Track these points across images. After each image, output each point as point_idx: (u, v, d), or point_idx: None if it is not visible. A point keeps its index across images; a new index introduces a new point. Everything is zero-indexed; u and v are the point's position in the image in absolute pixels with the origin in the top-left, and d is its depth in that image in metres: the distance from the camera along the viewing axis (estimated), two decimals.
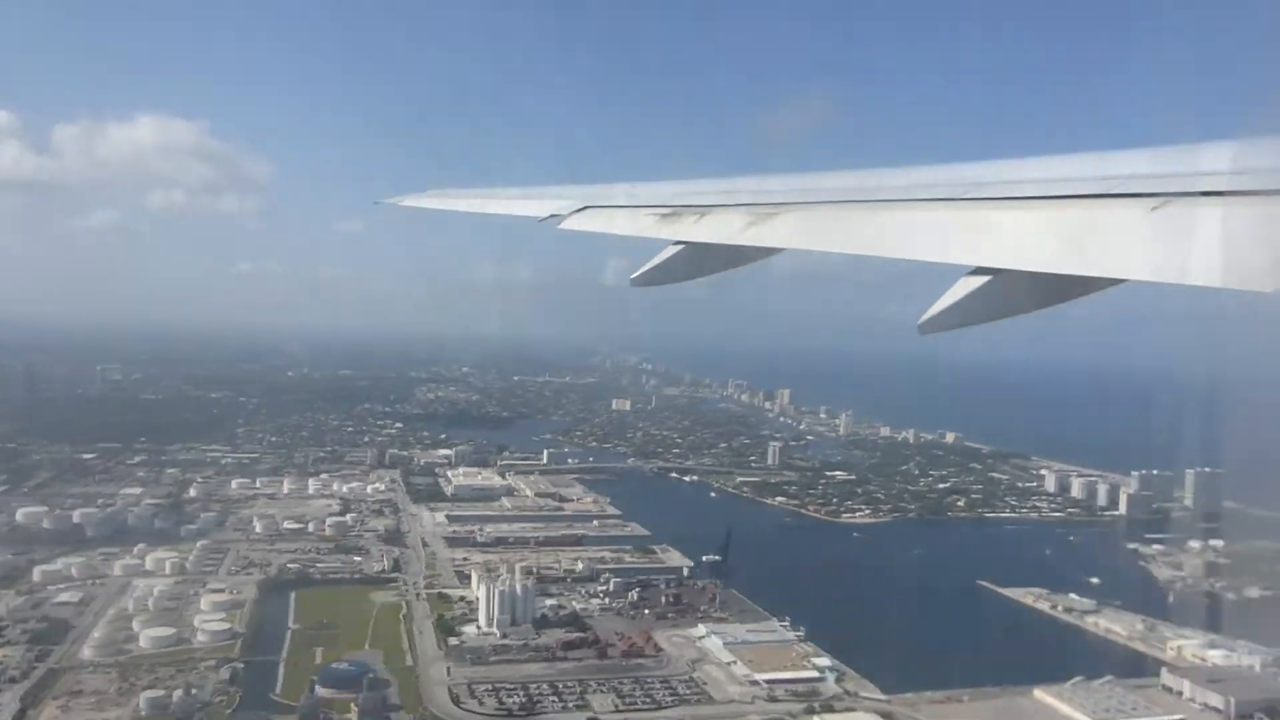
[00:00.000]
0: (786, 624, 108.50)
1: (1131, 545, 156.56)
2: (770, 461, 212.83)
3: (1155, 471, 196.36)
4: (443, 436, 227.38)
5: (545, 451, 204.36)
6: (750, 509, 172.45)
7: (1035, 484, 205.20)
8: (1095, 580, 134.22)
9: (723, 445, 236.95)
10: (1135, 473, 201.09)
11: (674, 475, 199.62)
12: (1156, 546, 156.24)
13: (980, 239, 8.04)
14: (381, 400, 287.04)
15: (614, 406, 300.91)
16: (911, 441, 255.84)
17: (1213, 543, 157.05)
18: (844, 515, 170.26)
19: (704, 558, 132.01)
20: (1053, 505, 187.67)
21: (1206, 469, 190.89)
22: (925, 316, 7.86)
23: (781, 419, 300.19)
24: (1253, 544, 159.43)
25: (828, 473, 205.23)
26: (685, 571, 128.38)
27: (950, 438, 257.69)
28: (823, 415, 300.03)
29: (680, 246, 11.23)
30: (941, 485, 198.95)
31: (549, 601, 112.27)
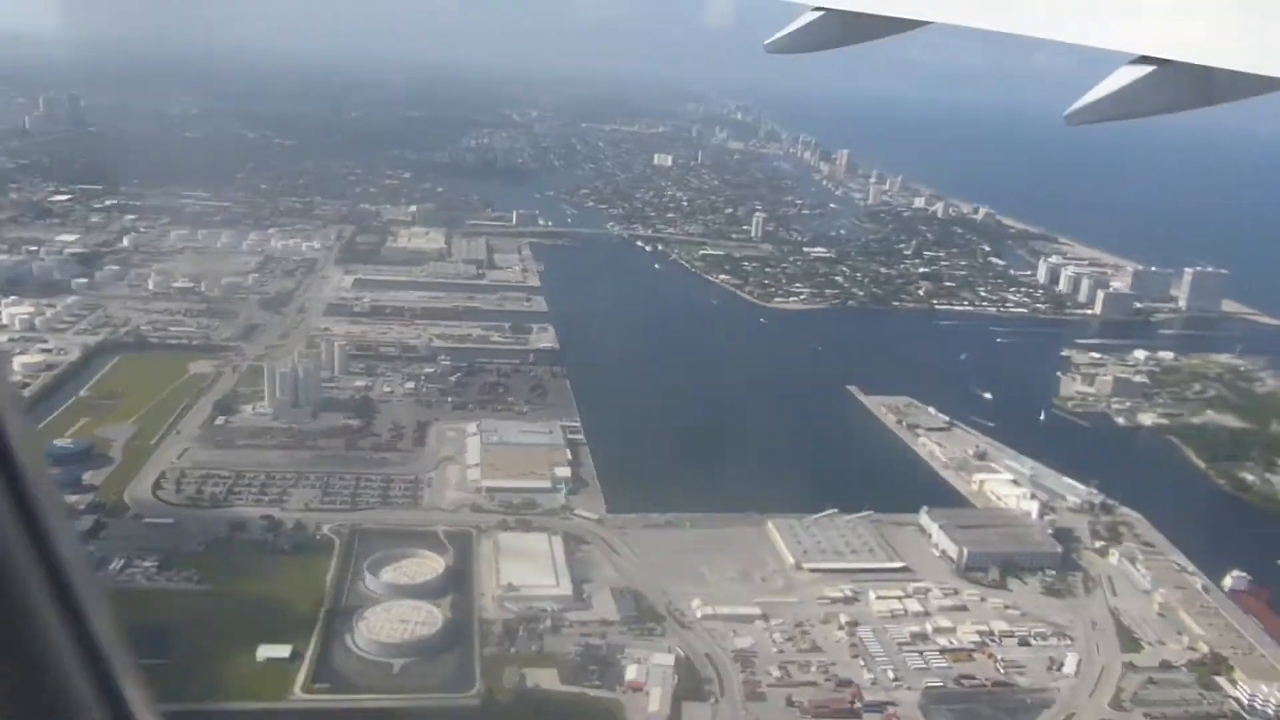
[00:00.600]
0: (577, 425, 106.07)
1: (1067, 352, 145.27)
2: (753, 233, 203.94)
3: (1154, 268, 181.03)
4: (440, 190, 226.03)
5: (515, 213, 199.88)
6: (684, 286, 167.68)
7: (1030, 272, 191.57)
8: (987, 395, 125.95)
9: (728, 211, 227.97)
10: (1117, 267, 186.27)
11: (639, 243, 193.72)
12: (1093, 355, 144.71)
13: (1149, 23, 7.42)
14: (418, 146, 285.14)
15: (655, 161, 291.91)
16: (939, 215, 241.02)
17: (1161, 354, 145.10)
18: (777, 300, 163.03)
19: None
20: (1027, 298, 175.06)
21: (1208, 267, 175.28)
22: (1076, 106, 7.38)
23: (825, 182, 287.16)
24: (1208, 358, 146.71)
25: (806, 249, 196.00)
26: (531, 358, 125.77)
27: (981, 213, 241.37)
28: (872, 180, 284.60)
29: (820, 13, 10.65)
30: (921, 270, 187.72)
31: (358, 383, 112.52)
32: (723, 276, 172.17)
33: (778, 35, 11.10)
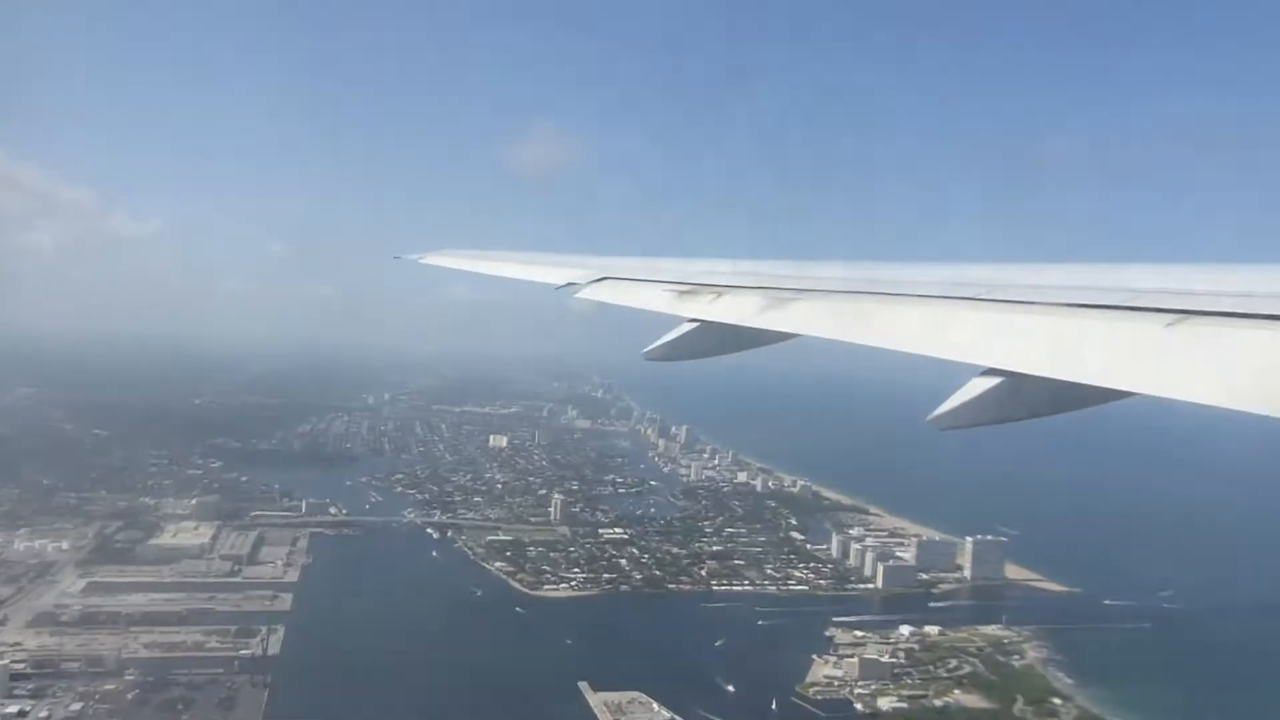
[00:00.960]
0: None
1: (831, 631, 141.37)
2: (553, 516, 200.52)
3: (939, 536, 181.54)
4: (243, 480, 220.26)
5: (304, 502, 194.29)
6: (455, 575, 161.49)
7: (827, 545, 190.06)
8: (730, 687, 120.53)
9: (541, 493, 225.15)
10: (916, 538, 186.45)
11: (429, 530, 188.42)
12: (857, 633, 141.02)
13: (997, 340, 8.28)
14: (247, 434, 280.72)
15: (490, 443, 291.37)
16: (759, 489, 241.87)
17: (928, 629, 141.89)
18: (547, 587, 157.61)
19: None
20: (813, 574, 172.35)
21: (988, 536, 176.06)
22: (936, 412, 8.09)
23: (657, 458, 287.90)
24: (976, 630, 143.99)
25: (602, 530, 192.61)
26: (236, 665, 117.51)
27: (799, 486, 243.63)
28: (705, 455, 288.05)
29: (695, 324, 11.58)
30: (715, 548, 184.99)
31: (12, 709, 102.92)
32: (499, 564, 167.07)
33: (655, 344, 11.75)
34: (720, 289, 12.16)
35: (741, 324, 11.01)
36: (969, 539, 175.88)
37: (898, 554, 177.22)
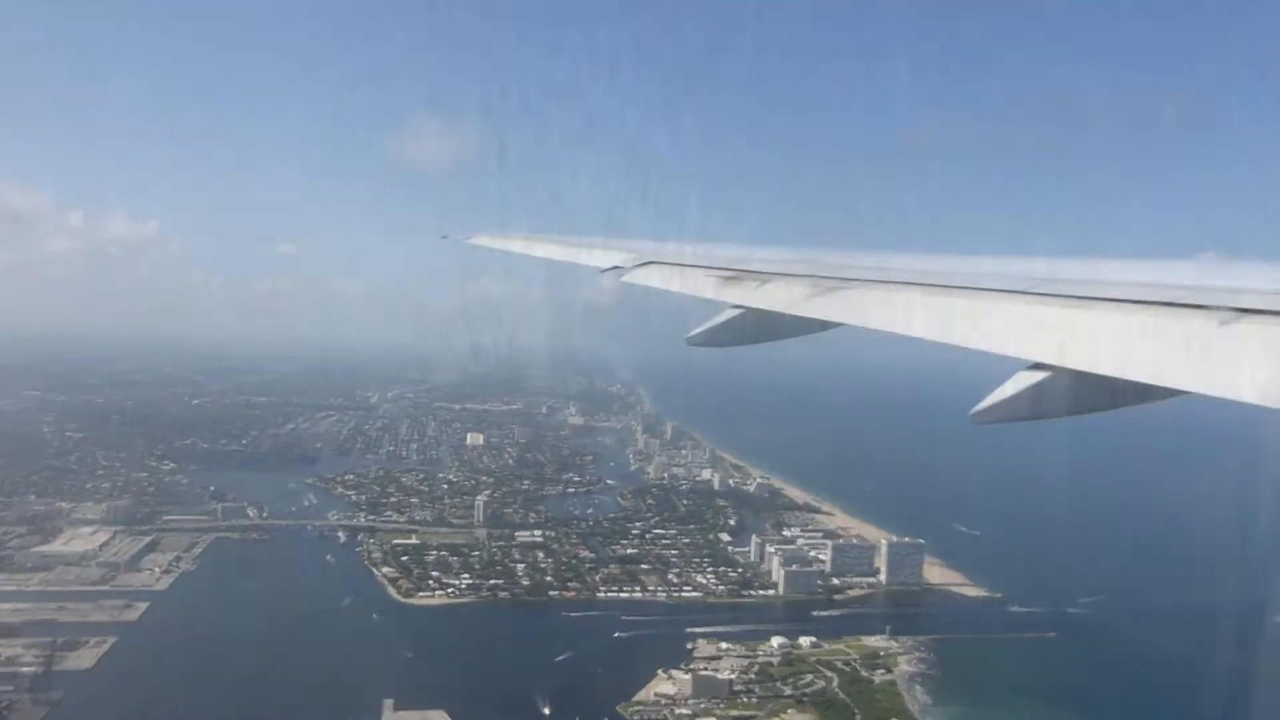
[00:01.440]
0: None
1: (692, 644, 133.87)
2: (476, 518, 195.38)
3: (890, 539, 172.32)
4: (183, 482, 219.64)
5: (220, 506, 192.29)
6: (336, 582, 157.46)
7: (748, 549, 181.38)
8: (546, 710, 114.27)
9: (486, 493, 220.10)
10: (855, 539, 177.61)
11: (340, 534, 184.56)
12: (722, 645, 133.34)
13: (1045, 335, 8.18)
14: (222, 435, 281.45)
15: (467, 441, 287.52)
16: (716, 487, 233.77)
17: (803, 640, 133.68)
18: (422, 595, 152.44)
19: None
20: (718, 579, 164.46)
21: (906, 538, 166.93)
22: (979, 407, 8.07)
23: (633, 455, 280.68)
24: (856, 642, 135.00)
25: (520, 532, 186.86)
26: (27, 684, 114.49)
27: (754, 483, 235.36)
28: (684, 452, 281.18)
29: (739, 311, 11.74)
30: (630, 551, 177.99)
31: None
32: (387, 570, 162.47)
33: (698, 330, 12.14)
34: (765, 275, 12.16)
35: (786, 311, 11.00)
36: (884, 541, 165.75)
37: (819, 557, 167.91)
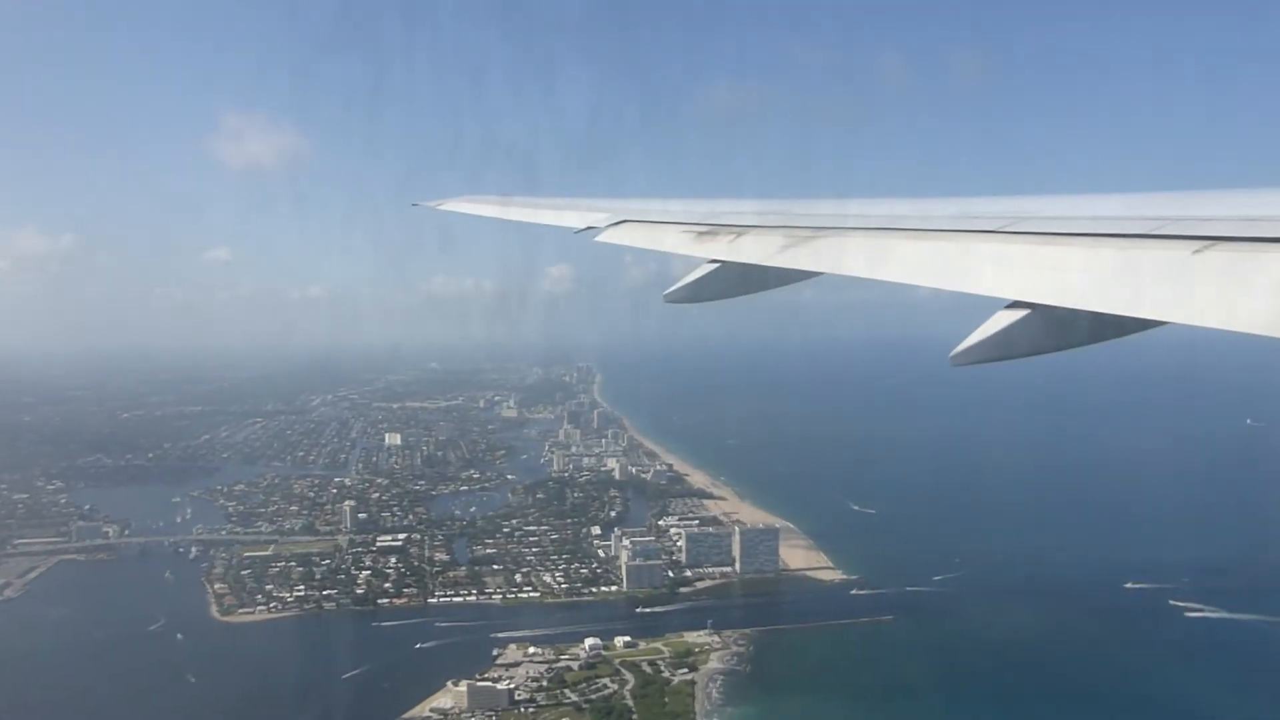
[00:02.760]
0: None
1: (499, 651, 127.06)
2: (344, 524, 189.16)
3: (711, 529, 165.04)
4: (61, 501, 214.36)
5: (75, 526, 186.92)
6: (163, 599, 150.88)
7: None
8: None
9: (375, 497, 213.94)
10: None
11: (193, 549, 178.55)
12: (531, 649, 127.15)
13: (1021, 273, 8.20)
14: (135, 447, 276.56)
15: (385, 442, 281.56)
16: (617, 477, 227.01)
17: (620, 639, 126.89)
18: (243, 611, 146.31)
19: None
20: (564, 579, 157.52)
21: (760, 525, 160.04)
22: (959, 348, 7.98)
23: (549, 449, 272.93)
24: (675, 639, 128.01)
25: (383, 537, 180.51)
26: None
27: (651, 472, 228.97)
28: (605, 441, 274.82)
29: (716, 265, 11.63)
30: (487, 551, 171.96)
31: None
32: (219, 586, 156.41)
33: (675, 286, 11.95)
34: (740, 229, 12.14)
35: (764, 264, 10.98)
36: (737, 529, 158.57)
37: (678, 548, 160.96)
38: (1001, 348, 7.71)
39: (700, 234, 12.45)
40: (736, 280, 11.43)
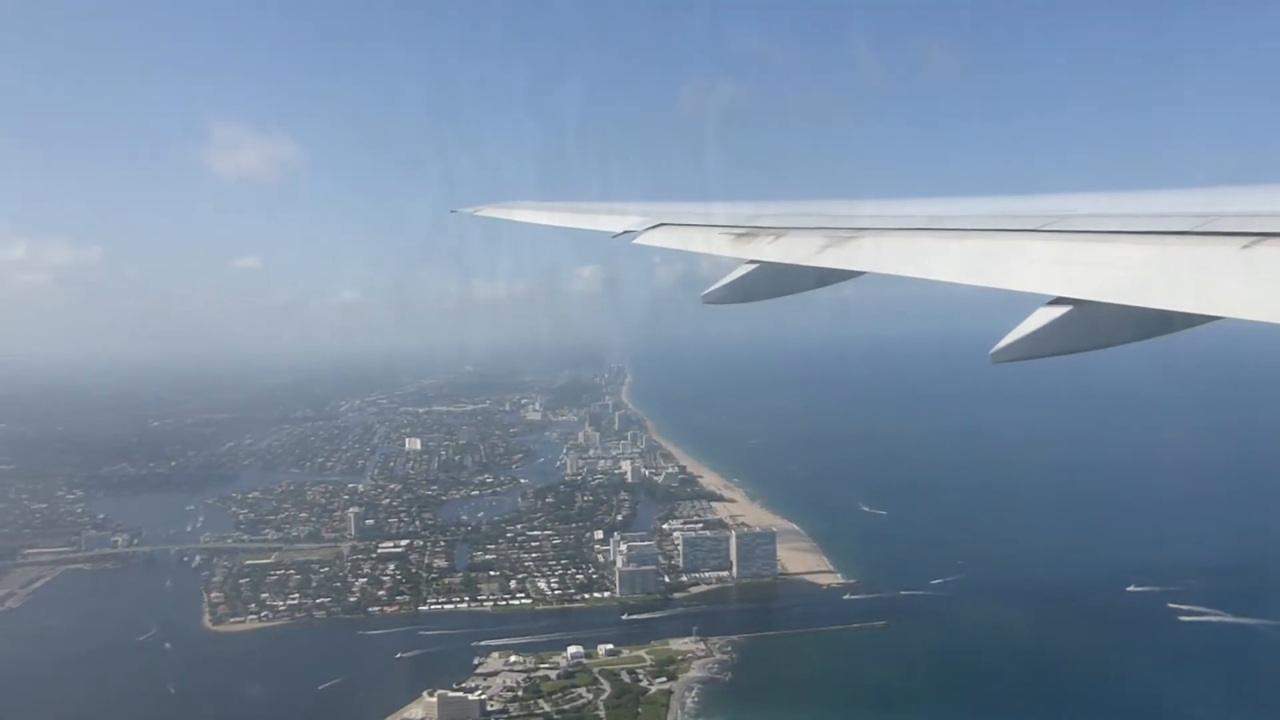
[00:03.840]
0: None
1: (480, 660, 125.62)
2: (350, 530, 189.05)
3: (708, 532, 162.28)
4: (78, 510, 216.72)
5: (84, 537, 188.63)
6: (156, 607, 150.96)
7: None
8: None
9: (385, 503, 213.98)
10: (682, 535, 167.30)
11: (198, 557, 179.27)
12: (514, 657, 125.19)
13: (1066, 269, 8.08)
14: (157, 456, 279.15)
15: (406, 447, 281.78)
16: (629, 479, 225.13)
17: (602, 647, 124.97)
18: (233, 620, 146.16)
19: None
20: (559, 586, 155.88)
21: (758, 529, 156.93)
22: (1000, 345, 7.86)
23: (568, 452, 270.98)
24: (660, 647, 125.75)
25: (385, 544, 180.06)
26: None
27: (662, 475, 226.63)
28: (624, 443, 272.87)
29: (754, 265, 11.68)
30: (487, 557, 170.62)
31: None
32: (215, 594, 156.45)
33: (714, 287, 11.96)
34: (779, 230, 12.12)
35: (803, 264, 10.98)
36: (734, 533, 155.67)
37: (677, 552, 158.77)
38: (1043, 344, 7.63)
39: (739, 235, 12.55)
40: (776, 280, 11.43)
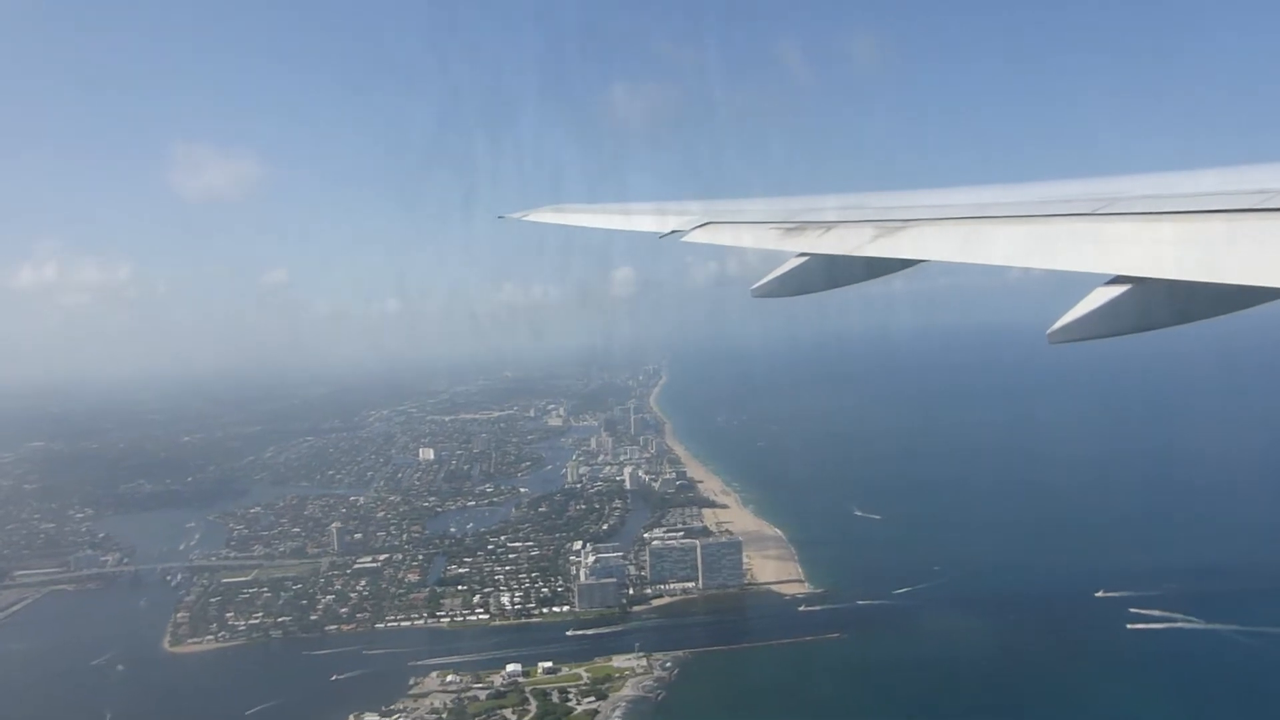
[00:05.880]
0: None
1: (415, 680, 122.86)
2: (331, 546, 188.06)
3: (676, 542, 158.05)
4: (84, 529, 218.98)
5: (74, 557, 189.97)
6: (118, 630, 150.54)
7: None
8: None
9: (379, 515, 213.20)
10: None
11: (179, 575, 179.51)
12: (450, 677, 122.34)
13: (1124, 248, 7.96)
14: (181, 471, 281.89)
15: (419, 456, 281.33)
16: (627, 486, 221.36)
17: (543, 664, 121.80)
18: (191, 641, 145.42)
19: None
20: (521, 600, 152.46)
21: (724, 539, 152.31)
22: (1057, 325, 7.70)
23: (576, 458, 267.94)
24: (602, 664, 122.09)
25: (362, 559, 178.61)
26: None
27: (659, 481, 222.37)
28: (636, 448, 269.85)
29: (804, 258, 11.57)
30: (459, 570, 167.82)
31: None
32: (182, 614, 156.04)
33: (763, 280, 11.86)
34: (827, 224, 12.03)
35: (855, 254, 10.86)
36: (698, 543, 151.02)
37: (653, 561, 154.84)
38: (1102, 324, 7.43)
39: (788, 230, 12.46)
40: (827, 272, 11.33)
